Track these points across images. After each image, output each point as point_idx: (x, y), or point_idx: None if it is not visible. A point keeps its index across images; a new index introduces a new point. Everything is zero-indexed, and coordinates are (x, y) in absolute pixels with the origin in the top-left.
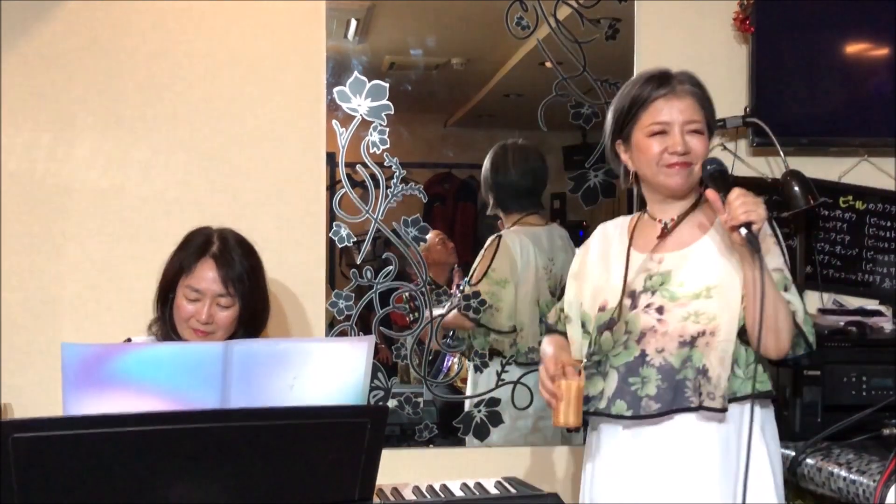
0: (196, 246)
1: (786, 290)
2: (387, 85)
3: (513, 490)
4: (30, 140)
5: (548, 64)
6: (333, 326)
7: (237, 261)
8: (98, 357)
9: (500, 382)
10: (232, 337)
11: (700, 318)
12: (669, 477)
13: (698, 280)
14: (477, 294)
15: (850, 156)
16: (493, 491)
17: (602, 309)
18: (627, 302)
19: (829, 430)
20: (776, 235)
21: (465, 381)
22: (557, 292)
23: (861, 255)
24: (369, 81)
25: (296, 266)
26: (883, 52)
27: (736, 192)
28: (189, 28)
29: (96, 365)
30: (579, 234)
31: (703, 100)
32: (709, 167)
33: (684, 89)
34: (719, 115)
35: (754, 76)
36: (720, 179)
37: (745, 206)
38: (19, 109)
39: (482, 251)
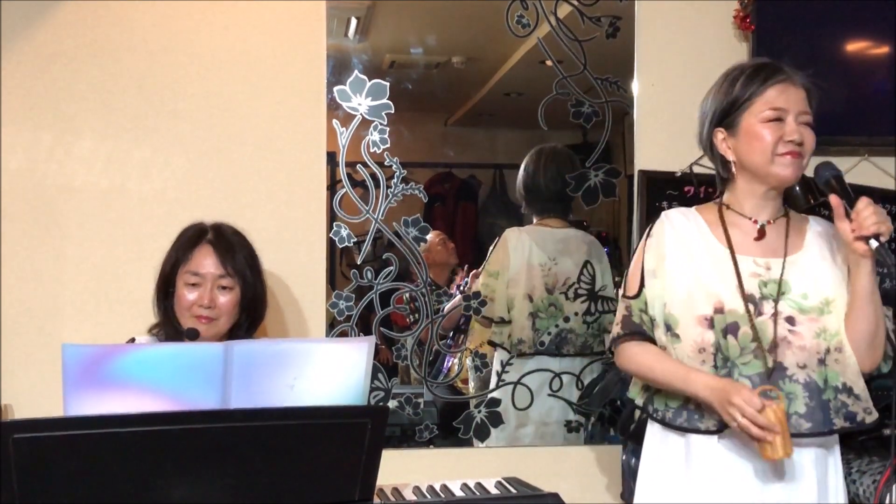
0: (190, 236)
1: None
2: (387, 84)
3: (513, 490)
4: (30, 140)
5: (548, 62)
6: (334, 327)
7: (234, 245)
8: (98, 358)
9: (501, 383)
10: (235, 323)
11: (827, 336)
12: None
13: (817, 292)
14: (477, 294)
15: (850, 155)
16: (494, 491)
17: (719, 311)
18: (750, 307)
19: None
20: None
21: (465, 381)
22: (555, 290)
23: None
24: (370, 80)
25: (296, 266)
26: (883, 50)
27: (865, 202)
28: (189, 27)
29: (97, 365)
30: (601, 246)
31: (812, 97)
32: (828, 172)
33: (802, 82)
34: None
35: None
36: (842, 186)
37: (875, 217)
38: (19, 109)
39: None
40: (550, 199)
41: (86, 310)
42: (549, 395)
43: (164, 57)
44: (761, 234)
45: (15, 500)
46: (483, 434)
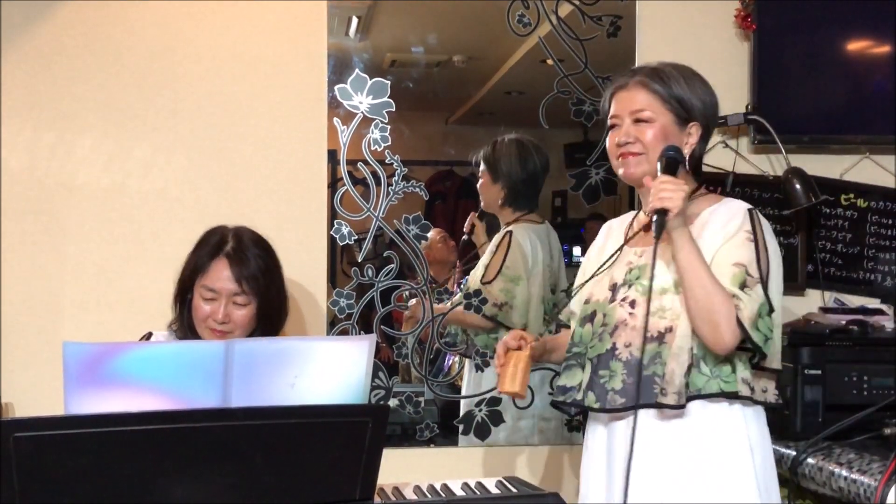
0: (211, 245)
1: (742, 287)
2: (388, 82)
3: (514, 489)
4: (30, 139)
5: (549, 61)
6: (334, 325)
7: (251, 259)
8: (99, 356)
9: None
10: (251, 335)
11: (666, 314)
12: (634, 473)
13: (668, 275)
14: (478, 292)
15: (851, 153)
16: (494, 490)
17: (587, 301)
18: (609, 294)
19: (830, 429)
20: (755, 232)
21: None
22: (557, 290)
23: (862, 253)
24: (370, 79)
25: (297, 264)
26: (884, 49)
27: (661, 178)
28: (190, 26)
29: (98, 364)
30: (580, 231)
31: (662, 89)
32: (664, 153)
33: (636, 81)
34: (721, 112)
35: (756, 74)
36: (669, 166)
37: (661, 192)
38: (20, 108)
39: (492, 247)
40: (536, 193)
41: (86, 308)
42: (550, 393)
43: (165, 56)
44: (647, 225)
45: (15, 498)
46: (484, 433)
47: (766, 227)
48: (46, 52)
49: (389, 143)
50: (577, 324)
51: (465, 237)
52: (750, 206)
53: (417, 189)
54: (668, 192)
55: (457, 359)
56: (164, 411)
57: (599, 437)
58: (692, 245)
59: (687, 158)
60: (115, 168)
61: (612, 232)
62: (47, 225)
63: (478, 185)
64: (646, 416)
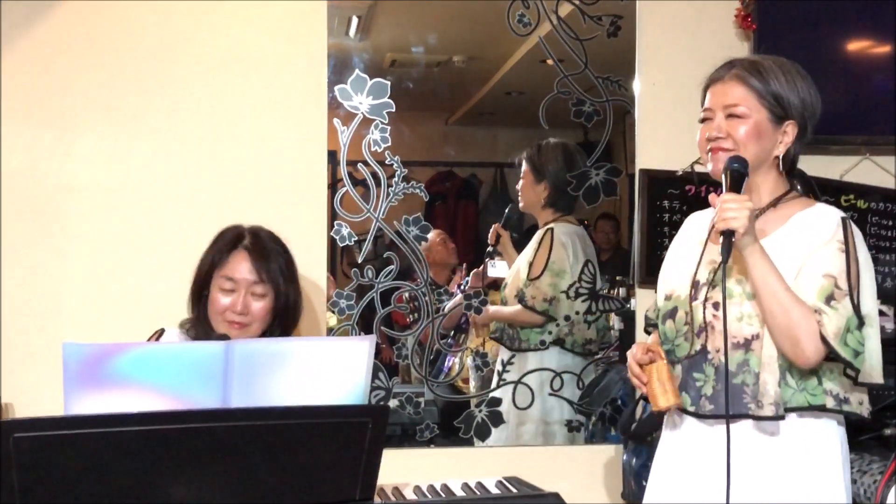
0: (228, 240)
1: (829, 300)
2: (388, 83)
3: (514, 490)
4: (31, 139)
5: (549, 61)
6: (334, 326)
7: (270, 252)
8: (99, 356)
9: (501, 382)
10: (267, 330)
11: (753, 321)
12: (713, 482)
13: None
14: (479, 293)
15: (851, 154)
16: (495, 491)
17: (668, 298)
18: (690, 292)
19: None
20: (847, 241)
21: (466, 381)
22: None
23: None
24: (370, 79)
25: (297, 265)
26: (884, 50)
27: (725, 196)
28: (190, 26)
29: (97, 364)
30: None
31: (760, 85)
32: (728, 165)
33: (732, 74)
34: None
35: None
36: (731, 180)
37: (726, 213)
38: (20, 108)
39: (534, 245)
40: (574, 197)
41: (86, 308)
42: (550, 394)
43: (165, 56)
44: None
45: (15, 499)
46: (484, 433)
47: (859, 236)
48: (46, 52)
49: (389, 143)
50: (660, 320)
51: (490, 248)
52: (843, 214)
53: (417, 190)
54: (732, 211)
55: (457, 360)
56: (164, 411)
57: (689, 439)
58: (765, 261)
59: (781, 158)
60: (115, 168)
61: (695, 226)
62: (47, 225)
63: (518, 186)
64: (742, 427)
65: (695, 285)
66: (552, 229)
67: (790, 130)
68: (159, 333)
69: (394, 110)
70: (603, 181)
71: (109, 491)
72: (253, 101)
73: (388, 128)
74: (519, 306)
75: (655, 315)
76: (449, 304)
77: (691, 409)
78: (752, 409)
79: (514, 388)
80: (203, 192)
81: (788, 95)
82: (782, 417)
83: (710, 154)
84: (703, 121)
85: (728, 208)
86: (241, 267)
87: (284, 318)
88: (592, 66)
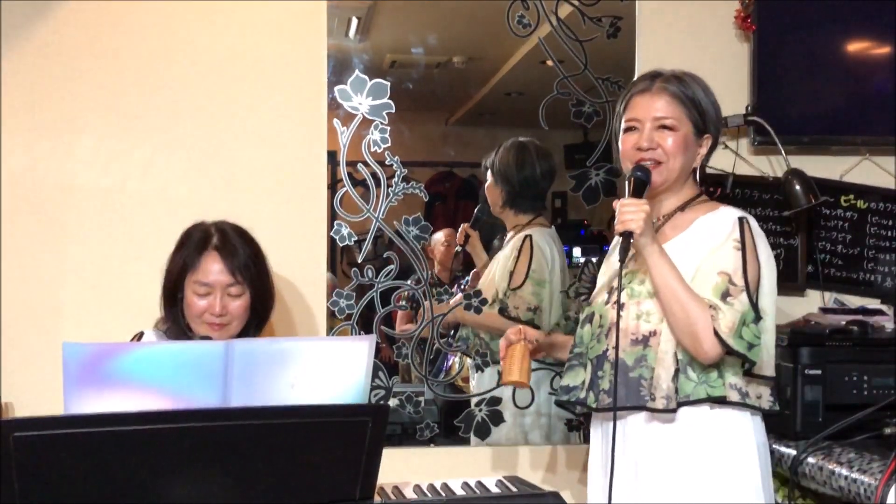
0: (196, 242)
1: (725, 296)
2: (388, 83)
3: (514, 489)
4: (30, 139)
5: (549, 62)
6: (334, 326)
7: (240, 248)
8: (99, 356)
9: (501, 382)
10: (246, 325)
11: (651, 318)
12: (623, 474)
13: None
14: (478, 293)
15: (851, 154)
16: (495, 490)
17: (589, 303)
18: (606, 296)
19: (830, 429)
20: (744, 240)
21: (466, 380)
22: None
23: (862, 254)
24: (370, 80)
25: (297, 265)
26: (884, 50)
27: (624, 200)
28: (190, 27)
29: (97, 364)
30: (580, 234)
31: (686, 98)
32: (632, 172)
33: (662, 87)
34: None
35: (756, 75)
36: (634, 186)
37: (624, 215)
38: (20, 109)
39: (513, 253)
40: (537, 197)
41: (86, 308)
42: (550, 393)
43: (165, 56)
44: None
45: (15, 498)
46: (484, 432)
47: (759, 234)
48: (46, 52)
49: (389, 144)
50: (579, 325)
51: (458, 248)
52: (742, 215)
53: (417, 190)
54: (629, 213)
55: (457, 359)
56: (164, 411)
57: (598, 437)
58: (663, 260)
59: (698, 169)
60: (115, 168)
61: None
62: (47, 225)
63: (485, 188)
64: (637, 419)
65: (609, 290)
66: (530, 236)
67: (706, 143)
68: (139, 336)
69: (394, 111)
70: (602, 181)
71: (109, 491)
72: (253, 102)
73: (388, 128)
74: (494, 312)
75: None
76: (449, 305)
77: (594, 405)
78: (647, 401)
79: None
80: (203, 192)
81: (708, 109)
82: (673, 410)
83: (637, 164)
84: (626, 130)
85: (626, 211)
86: (213, 269)
87: (259, 311)
88: (592, 66)
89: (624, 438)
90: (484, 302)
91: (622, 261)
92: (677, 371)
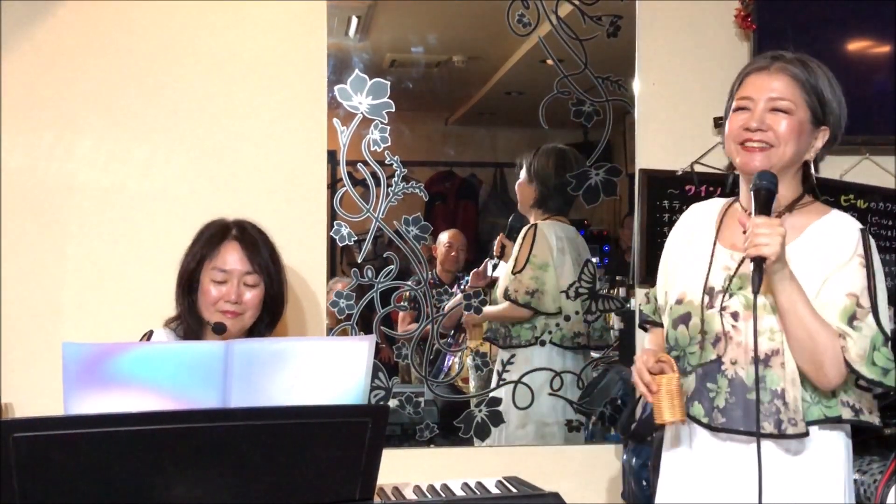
0: (215, 232)
1: (852, 320)
2: (388, 83)
3: (514, 490)
4: (30, 139)
5: (549, 62)
6: (334, 326)
7: (259, 241)
8: (99, 356)
9: (501, 382)
10: (258, 320)
11: (775, 336)
12: (744, 498)
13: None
14: (478, 293)
15: (851, 154)
16: (495, 490)
17: (679, 302)
18: (706, 299)
19: None
20: (867, 256)
21: (465, 380)
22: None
23: None
24: (370, 79)
25: (296, 265)
26: (884, 50)
27: (756, 222)
28: (190, 26)
29: (97, 364)
30: (580, 234)
31: (807, 83)
32: (757, 184)
33: (782, 67)
34: (720, 112)
35: None
36: (761, 200)
37: (756, 238)
38: (20, 108)
39: (519, 241)
40: (569, 202)
41: (86, 308)
42: (550, 394)
43: (165, 56)
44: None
45: (15, 499)
46: (484, 433)
47: (874, 247)
48: (46, 52)
49: (389, 143)
50: (669, 324)
51: (494, 261)
52: (861, 226)
53: (417, 190)
54: (764, 237)
55: (457, 359)
56: (164, 411)
57: (698, 452)
58: (793, 286)
59: (812, 163)
60: (115, 168)
61: (699, 219)
62: (47, 225)
63: (516, 185)
64: (762, 445)
65: (709, 292)
66: (536, 225)
67: (822, 136)
68: (149, 335)
69: (393, 110)
70: (603, 181)
71: (109, 491)
72: (253, 101)
73: (388, 128)
74: (506, 303)
75: (653, 312)
76: (449, 304)
77: (704, 420)
78: (767, 428)
79: (514, 388)
80: (203, 191)
81: (830, 99)
82: (807, 434)
83: (742, 147)
84: (736, 110)
85: (760, 233)
86: (231, 257)
87: (273, 307)
88: (592, 66)
89: (729, 462)
90: (484, 302)
91: (756, 291)
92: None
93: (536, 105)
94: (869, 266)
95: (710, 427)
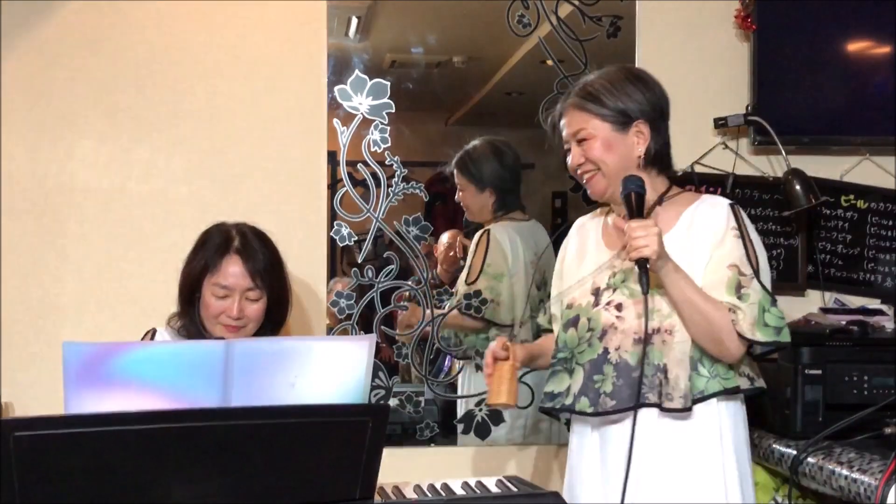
0: (217, 243)
1: (738, 290)
2: (388, 83)
3: (514, 489)
4: (30, 140)
5: (549, 62)
6: (334, 325)
7: (260, 253)
8: (99, 356)
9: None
10: (260, 328)
11: (654, 315)
12: (635, 475)
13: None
14: (478, 293)
15: (851, 154)
16: (495, 489)
17: (569, 306)
18: (592, 299)
19: (830, 428)
20: (740, 226)
21: None
22: (542, 287)
23: (862, 254)
24: (370, 80)
25: (297, 265)
26: (884, 50)
27: (631, 225)
28: (190, 27)
29: (97, 363)
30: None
31: (590, 103)
32: (623, 187)
33: (568, 104)
34: (720, 113)
35: (756, 74)
36: (632, 203)
37: (636, 241)
38: (20, 109)
39: (472, 248)
40: (515, 192)
41: (86, 308)
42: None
43: (165, 57)
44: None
45: (15, 498)
46: (484, 432)
47: (746, 218)
48: (46, 52)
49: (389, 144)
50: (560, 329)
51: (462, 262)
52: (730, 201)
53: (417, 190)
54: (641, 238)
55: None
56: (164, 411)
57: (591, 442)
58: (680, 275)
59: (644, 156)
60: (116, 168)
61: (588, 232)
62: (48, 226)
63: (458, 197)
64: (646, 418)
65: (594, 292)
66: (488, 231)
67: (643, 128)
68: (152, 333)
69: (393, 111)
70: None
71: (109, 490)
72: (252, 102)
73: (388, 128)
74: (455, 312)
75: (547, 323)
76: (449, 304)
77: (590, 410)
78: (651, 398)
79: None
80: (203, 192)
81: (625, 105)
82: (689, 409)
83: (584, 179)
84: (566, 153)
85: (637, 236)
86: (233, 272)
87: (276, 315)
88: (592, 66)
89: (622, 441)
90: (484, 302)
91: (646, 292)
92: (691, 368)
93: (536, 105)
94: (744, 236)
95: (597, 413)
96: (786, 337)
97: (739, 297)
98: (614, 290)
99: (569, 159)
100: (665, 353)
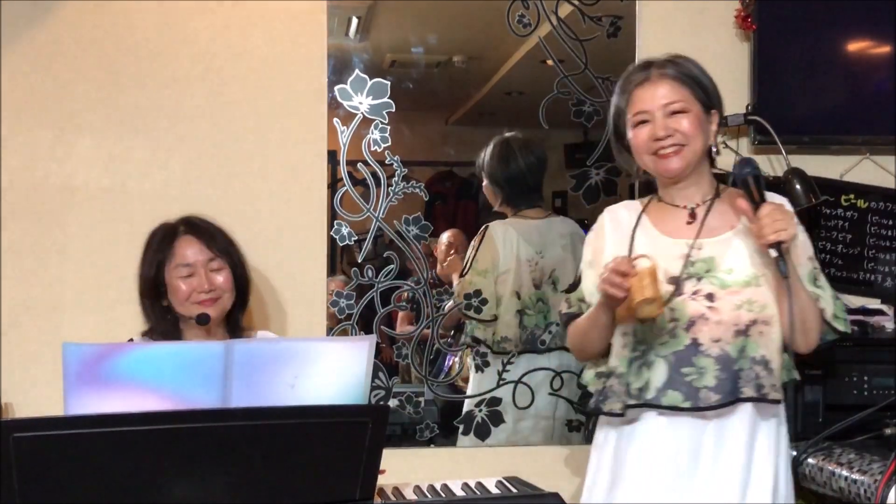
0: (164, 234)
1: (815, 281)
2: (388, 83)
3: (514, 490)
4: (30, 139)
5: (549, 62)
6: (334, 326)
7: (209, 227)
8: (99, 356)
9: (502, 382)
10: (233, 304)
11: (753, 307)
12: (724, 469)
13: (746, 268)
14: (478, 293)
15: (851, 154)
16: (495, 490)
17: None
18: (671, 288)
19: (830, 429)
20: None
21: (466, 380)
22: (541, 286)
23: (863, 253)
24: (370, 79)
25: (297, 264)
26: (884, 49)
27: (767, 209)
28: (190, 26)
29: (97, 364)
30: (584, 233)
31: (688, 79)
32: (740, 171)
33: (661, 73)
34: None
35: (756, 74)
36: (752, 186)
37: (774, 226)
38: (20, 109)
39: (473, 244)
40: (531, 189)
41: (86, 308)
42: (550, 393)
43: (165, 56)
44: (692, 216)
45: (15, 499)
46: (484, 433)
47: None
48: (46, 52)
49: (389, 143)
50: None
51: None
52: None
53: (417, 190)
54: (780, 223)
55: (457, 359)
56: (164, 411)
57: (673, 437)
58: (792, 262)
59: (714, 148)
60: (115, 168)
61: (623, 221)
62: (48, 225)
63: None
64: (743, 412)
65: (673, 281)
66: (487, 227)
67: (714, 120)
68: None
69: (394, 110)
70: (603, 181)
71: (109, 491)
72: (253, 102)
73: (388, 128)
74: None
75: (578, 310)
76: (449, 304)
77: (687, 405)
78: (748, 392)
79: (514, 388)
80: (202, 192)
81: (708, 84)
82: (781, 402)
83: (656, 156)
84: (636, 125)
85: (778, 219)
86: (191, 250)
87: (241, 289)
88: (592, 66)
89: (721, 436)
90: (484, 302)
91: (787, 276)
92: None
93: (536, 105)
94: (805, 232)
95: (697, 409)
96: (848, 328)
97: (818, 287)
98: (699, 280)
99: (644, 130)
100: (762, 345)
